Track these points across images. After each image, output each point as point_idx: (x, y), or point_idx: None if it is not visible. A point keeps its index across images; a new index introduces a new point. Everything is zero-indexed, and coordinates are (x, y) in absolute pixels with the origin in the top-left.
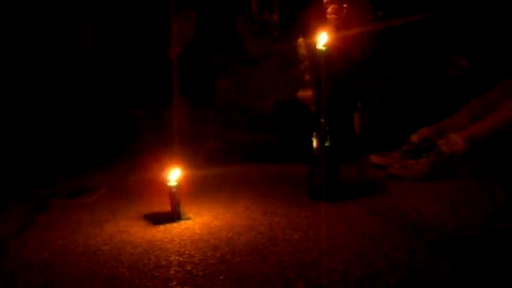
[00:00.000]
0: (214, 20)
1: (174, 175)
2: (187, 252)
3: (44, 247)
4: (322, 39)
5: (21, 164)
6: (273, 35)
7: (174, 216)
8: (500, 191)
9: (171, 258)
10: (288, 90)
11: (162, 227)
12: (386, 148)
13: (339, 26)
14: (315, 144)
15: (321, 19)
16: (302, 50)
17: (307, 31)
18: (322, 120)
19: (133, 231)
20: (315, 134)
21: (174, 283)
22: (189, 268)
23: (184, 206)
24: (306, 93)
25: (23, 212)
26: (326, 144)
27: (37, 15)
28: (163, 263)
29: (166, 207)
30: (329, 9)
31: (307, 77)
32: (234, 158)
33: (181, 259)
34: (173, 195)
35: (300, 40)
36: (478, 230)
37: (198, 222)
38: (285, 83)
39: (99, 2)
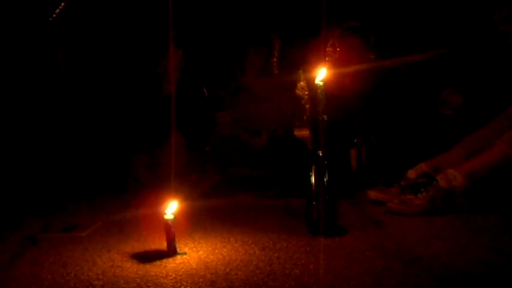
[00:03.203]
0: (210, 57)
1: (170, 208)
2: (182, 287)
3: (34, 282)
4: (321, 74)
5: (14, 197)
6: (271, 72)
7: (169, 250)
8: (500, 226)
9: None
10: (285, 126)
11: (157, 262)
12: (384, 184)
13: (334, 66)
14: (313, 178)
15: (319, 56)
16: (303, 91)
17: (307, 68)
18: (320, 153)
19: (127, 266)
20: (313, 168)
21: None
22: None
23: (180, 240)
24: (302, 132)
25: (14, 246)
26: (325, 179)
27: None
28: None
29: (162, 242)
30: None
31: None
32: (231, 192)
33: None
34: (169, 229)
35: (302, 84)
36: (481, 266)
37: (194, 257)
38: (283, 118)
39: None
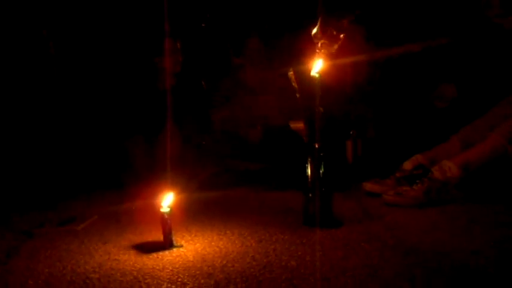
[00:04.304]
0: (209, 50)
1: (166, 201)
2: (179, 280)
3: (30, 276)
4: (317, 66)
5: (10, 192)
6: (267, 65)
7: (166, 243)
8: (495, 218)
9: (163, 286)
10: (281, 119)
11: (153, 255)
12: (380, 176)
13: (329, 59)
14: (309, 171)
15: (310, 49)
16: (293, 83)
17: (297, 60)
18: (316, 145)
19: (123, 259)
20: (309, 160)
21: None
22: None
23: (177, 233)
24: (297, 125)
25: (10, 240)
26: (320, 171)
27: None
28: None
29: (158, 235)
30: (319, 44)
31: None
32: (228, 185)
33: (173, 287)
34: (165, 222)
35: (290, 73)
36: (476, 257)
37: (190, 250)
38: (279, 112)
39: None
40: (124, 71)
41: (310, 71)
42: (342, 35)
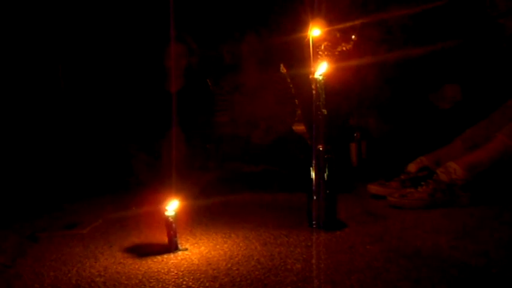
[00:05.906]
0: (213, 50)
1: (171, 205)
2: (184, 283)
3: (36, 279)
4: (320, 68)
5: (15, 196)
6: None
7: (171, 247)
8: (501, 219)
9: None
10: (285, 122)
11: (158, 258)
12: (384, 178)
13: (332, 61)
14: (313, 173)
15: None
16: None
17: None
18: (320, 148)
19: (129, 263)
20: (313, 163)
21: None
22: None
23: (182, 236)
24: (300, 127)
25: (15, 244)
26: (325, 174)
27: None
28: None
29: (163, 238)
30: (322, 46)
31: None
32: (232, 188)
33: None
34: (170, 226)
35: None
36: (481, 258)
37: (195, 253)
38: (282, 114)
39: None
40: (131, 74)
41: (311, 73)
42: (353, 36)
